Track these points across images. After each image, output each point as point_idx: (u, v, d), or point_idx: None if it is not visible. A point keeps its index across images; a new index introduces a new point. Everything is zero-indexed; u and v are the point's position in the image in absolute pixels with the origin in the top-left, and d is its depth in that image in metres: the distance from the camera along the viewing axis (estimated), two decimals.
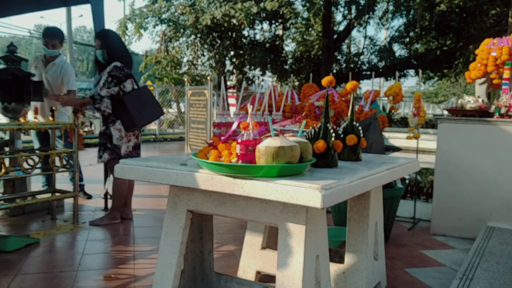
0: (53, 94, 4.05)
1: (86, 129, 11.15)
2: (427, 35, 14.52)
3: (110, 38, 3.59)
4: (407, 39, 14.89)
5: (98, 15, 4.43)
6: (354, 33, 17.09)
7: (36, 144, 4.18)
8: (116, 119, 3.50)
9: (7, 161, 3.34)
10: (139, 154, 3.71)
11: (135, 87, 3.58)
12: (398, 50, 15.52)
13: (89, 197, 4.47)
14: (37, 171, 3.56)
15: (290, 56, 15.65)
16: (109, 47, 3.53)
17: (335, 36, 14.90)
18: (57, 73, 4.09)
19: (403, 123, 11.78)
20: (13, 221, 3.65)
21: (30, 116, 4.05)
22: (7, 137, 3.70)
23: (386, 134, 8.85)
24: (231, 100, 12.59)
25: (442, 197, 3.60)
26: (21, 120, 3.65)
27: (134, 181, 3.79)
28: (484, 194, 3.45)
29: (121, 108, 3.45)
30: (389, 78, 15.31)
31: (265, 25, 14.87)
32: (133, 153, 3.62)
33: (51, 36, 4.02)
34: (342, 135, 2.06)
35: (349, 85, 2.90)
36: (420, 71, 13.11)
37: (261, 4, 11.55)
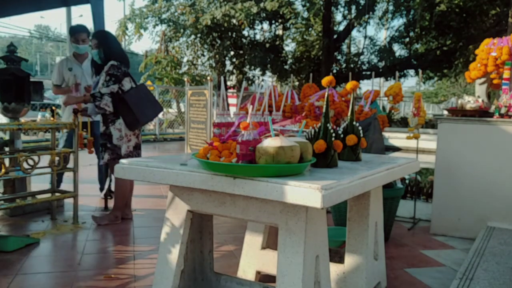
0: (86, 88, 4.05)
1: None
2: (427, 35, 14.50)
3: (107, 38, 3.60)
4: (407, 39, 14.88)
5: (98, 15, 4.43)
6: (354, 33, 17.08)
7: (61, 144, 4.20)
8: (115, 119, 3.50)
9: (7, 161, 3.34)
10: (140, 154, 3.69)
11: (133, 85, 3.58)
12: (398, 50, 15.52)
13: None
14: (37, 171, 3.56)
15: (290, 56, 15.64)
16: (107, 46, 3.53)
17: (335, 36, 14.88)
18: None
19: (403, 123, 11.77)
20: (13, 221, 3.65)
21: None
22: (7, 137, 3.70)
23: (386, 134, 8.84)
24: (231, 100, 12.59)
25: (442, 197, 3.60)
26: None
27: (133, 182, 3.79)
28: (484, 194, 3.45)
29: (122, 107, 3.44)
30: (389, 78, 15.29)
31: (265, 25, 14.87)
32: (134, 153, 3.60)
33: (78, 31, 4.08)
34: (342, 135, 2.06)
35: (349, 85, 2.89)
36: (420, 71, 13.10)
37: (261, 4, 11.54)
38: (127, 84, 3.51)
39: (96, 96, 3.39)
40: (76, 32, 4.09)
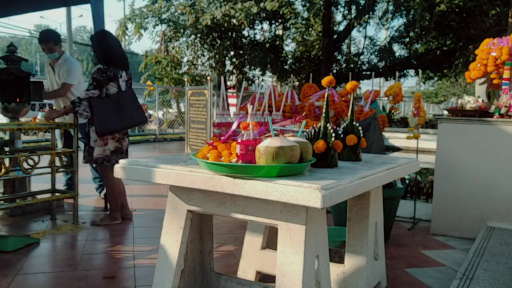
0: (49, 92, 4.06)
1: None
2: (427, 35, 14.51)
3: (99, 41, 3.56)
4: (407, 39, 14.89)
5: (98, 15, 4.43)
6: (354, 33, 17.11)
7: (60, 144, 4.22)
8: None
9: (7, 161, 3.34)
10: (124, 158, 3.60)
11: (122, 89, 3.51)
12: (398, 50, 15.54)
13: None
14: (37, 171, 3.56)
15: (290, 56, 15.66)
16: (98, 49, 3.51)
17: (335, 36, 14.89)
18: (63, 71, 4.11)
19: (403, 123, 11.77)
20: (13, 221, 3.65)
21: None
22: (7, 137, 3.70)
23: (386, 134, 8.83)
24: (231, 100, 12.58)
25: (442, 197, 3.60)
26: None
27: (122, 181, 3.67)
28: (484, 194, 3.45)
29: (91, 112, 3.40)
30: (389, 78, 15.32)
31: (265, 25, 14.89)
32: (111, 157, 3.49)
33: (44, 41, 4.02)
34: (342, 135, 2.06)
35: (349, 85, 2.89)
36: (420, 71, 13.10)
37: (261, 4, 11.54)
38: (112, 88, 3.47)
39: (75, 102, 3.36)
40: (41, 41, 4.03)
